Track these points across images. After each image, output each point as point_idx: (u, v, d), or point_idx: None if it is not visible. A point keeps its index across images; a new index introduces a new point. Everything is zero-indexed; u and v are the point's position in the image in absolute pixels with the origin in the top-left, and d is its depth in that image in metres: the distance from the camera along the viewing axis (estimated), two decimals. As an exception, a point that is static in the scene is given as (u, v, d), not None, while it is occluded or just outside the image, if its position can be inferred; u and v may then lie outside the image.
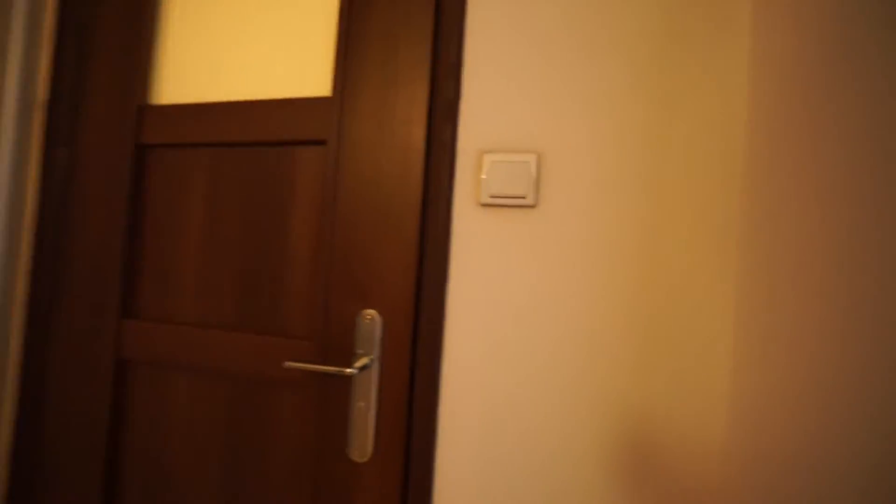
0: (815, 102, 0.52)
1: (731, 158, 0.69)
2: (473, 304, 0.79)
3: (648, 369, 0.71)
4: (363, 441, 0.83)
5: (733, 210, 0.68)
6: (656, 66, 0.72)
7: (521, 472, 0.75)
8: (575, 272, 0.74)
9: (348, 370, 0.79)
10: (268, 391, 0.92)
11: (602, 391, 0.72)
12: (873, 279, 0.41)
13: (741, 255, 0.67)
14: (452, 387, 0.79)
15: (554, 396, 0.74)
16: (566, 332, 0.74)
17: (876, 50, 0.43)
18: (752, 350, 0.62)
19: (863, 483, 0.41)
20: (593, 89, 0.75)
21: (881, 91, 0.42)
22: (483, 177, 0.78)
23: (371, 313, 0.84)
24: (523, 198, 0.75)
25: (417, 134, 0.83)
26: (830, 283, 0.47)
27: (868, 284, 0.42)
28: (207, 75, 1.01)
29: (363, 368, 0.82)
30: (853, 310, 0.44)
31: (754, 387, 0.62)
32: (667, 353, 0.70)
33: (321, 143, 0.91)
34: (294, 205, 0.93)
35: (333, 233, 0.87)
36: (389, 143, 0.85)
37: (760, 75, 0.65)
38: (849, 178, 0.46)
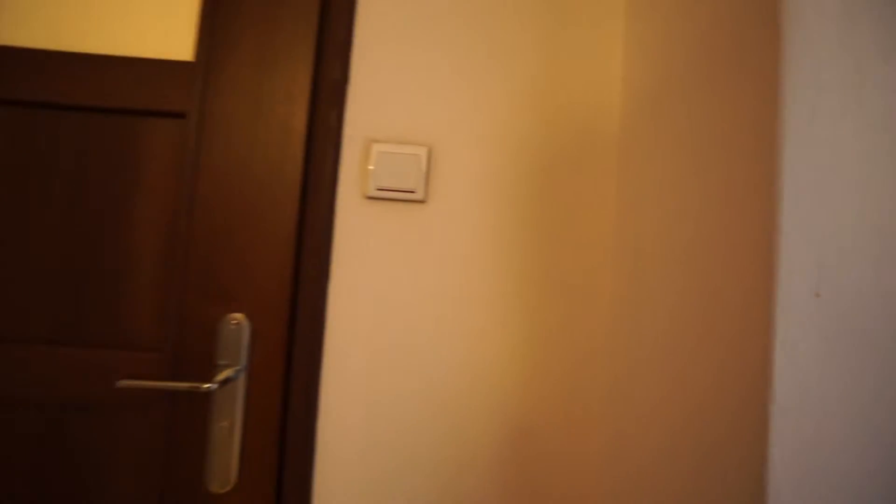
0: (684, 96, 0.57)
1: (608, 154, 0.73)
2: (358, 304, 0.72)
3: (536, 368, 0.71)
4: (225, 468, 0.71)
5: (611, 207, 0.73)
6: (544, 71, 0.74)
7: (409, 490, 0.70)
8: (465, 271, 0.72)
9: (206, 385, 0.66)
10: (98, 419, 0.74)
11: (492, 397, 0.71)
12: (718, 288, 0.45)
13: (616, 253, 0.72)
14: (334, 397, 0.72)
15: (449, 404, 0.71)
16: (458, 333, 0.71)
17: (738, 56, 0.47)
18: (620, 341, 0.66)
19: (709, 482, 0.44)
20: (487, 82, 0.74)
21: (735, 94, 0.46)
22: (371, 167, 0.72)
23: (238, 318, 0.72)
24: (413, 192, 0.71)
25: (299, 115, 0.74)
26: (689, 287, 0.51)
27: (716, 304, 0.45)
28: (46, 16, 0.79)
29: (226, 382, 0.70)
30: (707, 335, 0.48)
31: (621, 374, 0.65)
32: (554, 350, 0.72)
33: (179, 115, 0.76)
34: (141, 187, 0.77)
35: (192, 223, 0.73)
36: (266, 123, 0.74)
37: (634, 70, 0.70)
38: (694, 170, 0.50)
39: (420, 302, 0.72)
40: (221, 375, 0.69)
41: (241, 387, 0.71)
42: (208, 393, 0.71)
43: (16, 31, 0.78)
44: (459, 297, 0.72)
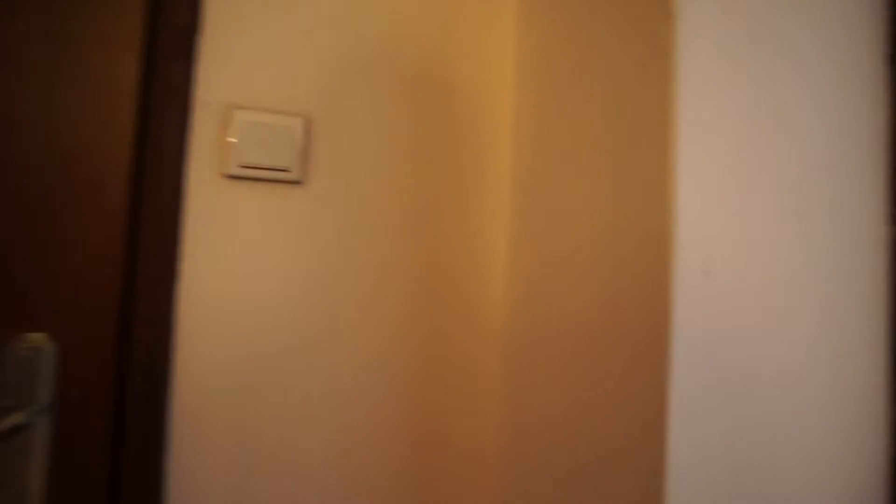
0: (569, 83, 0.54)
1: (502, 132, 0.68)
2: (220, 310, 0.58)
3: (428, 385, 0.64)
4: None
5: (505, 190, 0.68)
6: (440, 41, 0.67)
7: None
8: (351, 266, 0.61)
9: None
10: None
11: (384, 398, 0.62)
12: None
13: (513, 233, 0.68)
14: (192, 430, 0.56)
15: (336, 433, 0.60)
16: (345, 341, 0.61)
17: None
18: (519, 325, 0.62)
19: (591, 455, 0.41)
20: (377, 46, 0.64)
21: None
22: (232, 140, 0.57)
23: (36, 340, 0.52)
24: (287, 171, 0.58)
25: (126, 68, 0.57)
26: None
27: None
28: None
29: (15, 432, 0.50)
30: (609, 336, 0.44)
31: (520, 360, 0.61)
32: (444, 342, 0.65)
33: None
34: None
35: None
36: (69, 73, 0.55)
37: (526, 55, 0.66)
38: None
39: (296, 305, 0.59)
40: (6, 423, 0.49)
41: (40, 436, 0.52)
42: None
43: None
44: (343, 297, 0.61)
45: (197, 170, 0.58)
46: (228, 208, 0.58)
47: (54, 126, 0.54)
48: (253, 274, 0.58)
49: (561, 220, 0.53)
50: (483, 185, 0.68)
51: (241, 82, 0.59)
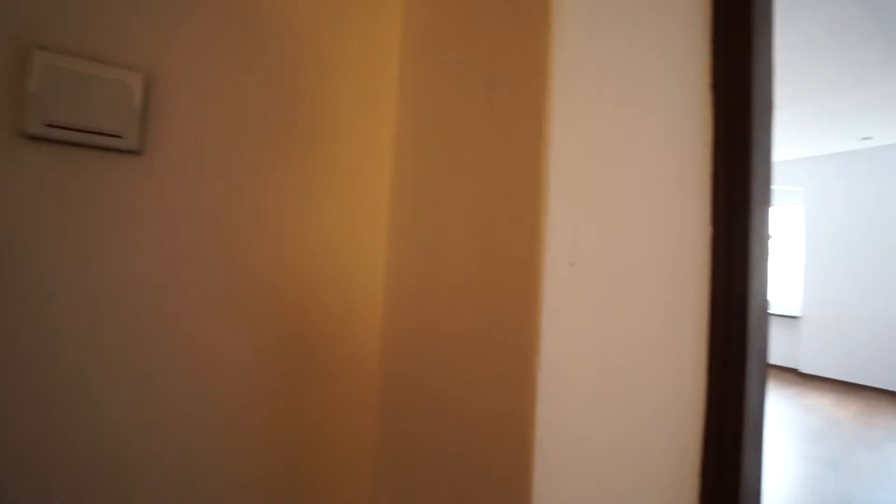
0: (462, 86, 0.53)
1: (387, 107, 0.66)
2: (20, 323, 0.44)
3: (297, 364, 0.59)
4: None
5: (387, 167, 0.66)
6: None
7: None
8: (202, 257, 0.52)
9: None
10: None
11: (247, 402, 0.55)
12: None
13: (394, 215, 0.65)
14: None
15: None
16: (187, 348, 0.52)
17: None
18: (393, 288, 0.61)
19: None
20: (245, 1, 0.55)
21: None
22: (32, 89, 0.44)
23: None
24: (119, 137, 0.47)
25: None
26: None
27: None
28: None
29: None
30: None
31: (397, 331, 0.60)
32: (317, 343, 0.60)
33: None
34: None
35: None
36: None
37: (411, 39, 0.65)
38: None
39: (126, 317, 0.48)
40: None
41: None
42: None
43: None
44: (189, 293, 0.52)
45: (-25, 124, 0.43)
46: (27, 180, 0.44)
47: None
48: (68, 266, 0.46)
49: (441, 213, 0.52)
50: (363, 164, 0.64)
51: (47, 11, 0.45)
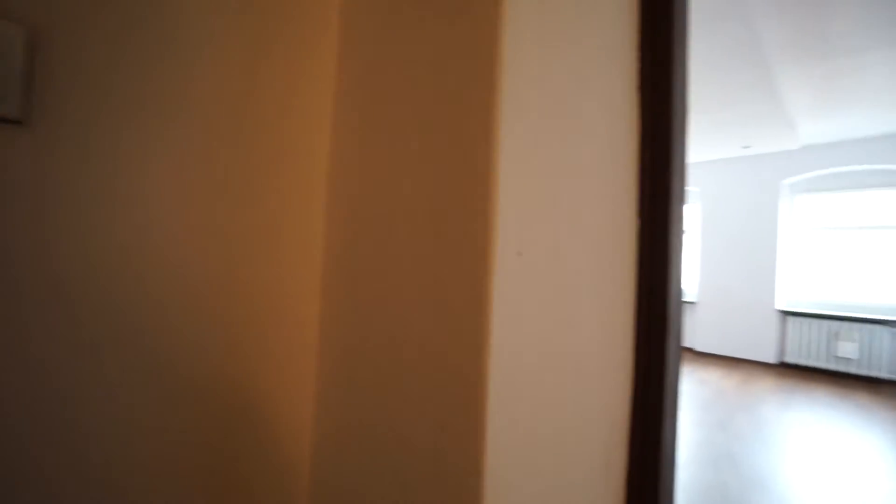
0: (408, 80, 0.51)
1: (326, 91, 0.62)
2: None
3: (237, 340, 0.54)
4: None
5: (325, 151, 0.62)
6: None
7: None
8: (95, 250, 0.45)
9: None
10: None
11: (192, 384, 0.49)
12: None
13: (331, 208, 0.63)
14: None
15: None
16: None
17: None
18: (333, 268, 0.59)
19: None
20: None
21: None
22: None
23: None
24: (-6, 102, 0.39)
25: None
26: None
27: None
28: None
29: None
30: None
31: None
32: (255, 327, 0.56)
33: None
34: None
35: None
36: None
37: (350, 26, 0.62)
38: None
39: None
40: None
41: None
42: None
43: None
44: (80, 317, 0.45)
45: None
46: None
47: None
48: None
49: (389, 205, 0.51)
50: (296, 158, 0.60)
51: None
